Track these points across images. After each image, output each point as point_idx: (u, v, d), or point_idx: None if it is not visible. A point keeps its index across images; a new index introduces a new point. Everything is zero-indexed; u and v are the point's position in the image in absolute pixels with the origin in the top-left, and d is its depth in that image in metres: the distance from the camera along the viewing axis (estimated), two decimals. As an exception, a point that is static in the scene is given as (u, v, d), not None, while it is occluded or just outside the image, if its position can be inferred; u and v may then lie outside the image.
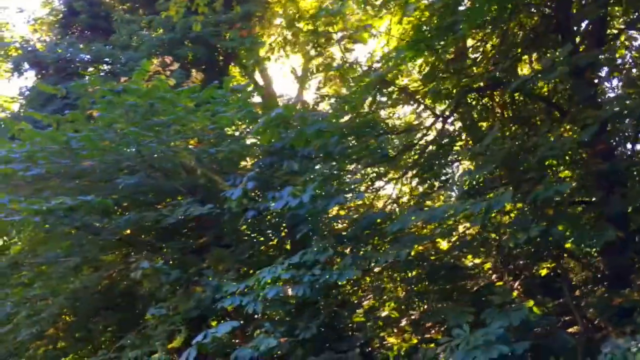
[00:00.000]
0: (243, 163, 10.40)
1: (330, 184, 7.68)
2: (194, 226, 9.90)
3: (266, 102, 17.84)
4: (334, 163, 8.18)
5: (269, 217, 9.45)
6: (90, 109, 9.85)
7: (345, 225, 9.45)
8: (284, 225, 9.84)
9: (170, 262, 8.70)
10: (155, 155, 9.23)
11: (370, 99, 8.33)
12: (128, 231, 9.52)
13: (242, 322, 7.94)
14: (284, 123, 8.20)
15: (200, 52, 17.22)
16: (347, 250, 8.31)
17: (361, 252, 7.99)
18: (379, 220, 8.05)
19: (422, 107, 8.96)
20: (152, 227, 9.51)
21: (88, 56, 18.22)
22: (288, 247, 10.01)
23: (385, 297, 8.80)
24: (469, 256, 9.11)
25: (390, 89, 8.21)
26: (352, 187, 7.54)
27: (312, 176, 7.94)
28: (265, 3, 18.38)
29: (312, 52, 21.92)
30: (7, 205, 7.59)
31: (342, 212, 9.65)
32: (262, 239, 10.35)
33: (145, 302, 11.01)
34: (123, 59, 16.88)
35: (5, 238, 11.77)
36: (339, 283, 7.69)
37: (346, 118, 8.75)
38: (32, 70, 19.03)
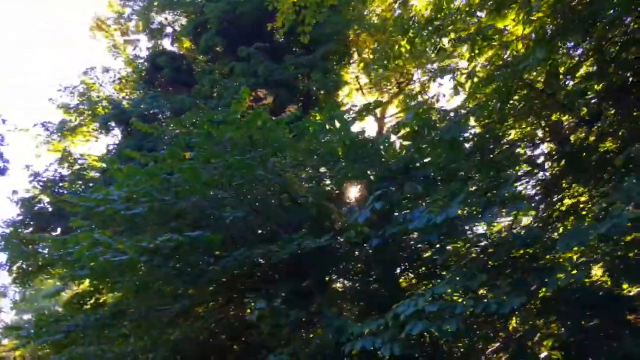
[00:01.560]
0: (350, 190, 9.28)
1: (480, 198, 6.42)
2: (306, 263, 8.82)
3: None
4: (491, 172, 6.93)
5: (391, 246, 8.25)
6: (187, 148, 9.18)
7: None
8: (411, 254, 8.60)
9: (284, 304, 7.60)
10: (260, 188, 8.35)
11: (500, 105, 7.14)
12: (233, 272, 8.52)
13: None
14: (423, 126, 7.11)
15: (282, 96, 16.61)
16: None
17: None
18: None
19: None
20: (259, 267, 8.51)
21: (171, 109, 17.93)
22: (414, 280, 8.76)
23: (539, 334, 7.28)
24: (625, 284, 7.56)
25: (525, 92, 7.01)
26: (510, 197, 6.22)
27: (442, 196, 6.78)
28: (346, 41, 17.75)
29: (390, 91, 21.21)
30: (111, 246, 6.78)
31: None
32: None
33: (253, 350, 9.97)
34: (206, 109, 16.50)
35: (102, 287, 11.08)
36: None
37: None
38: (118, 129, 19.03)
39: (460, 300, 5.95)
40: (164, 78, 19.01)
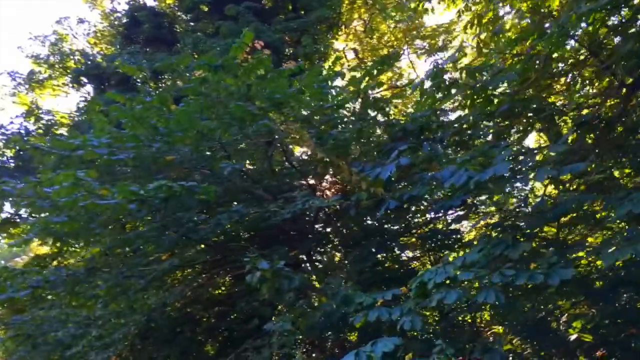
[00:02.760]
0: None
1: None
2: (302, 228, 8.01)
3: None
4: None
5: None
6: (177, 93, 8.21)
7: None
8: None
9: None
10: (261, 142, 7.47)
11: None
12: (225, 233, 7.63)
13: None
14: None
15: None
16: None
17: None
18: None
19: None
20: (253, 229, 7.64)
21: (150, 68, 16.73)
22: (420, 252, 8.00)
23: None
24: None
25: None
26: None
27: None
28: (337, 10, 16.81)
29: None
30: (95, 191, 5.80)
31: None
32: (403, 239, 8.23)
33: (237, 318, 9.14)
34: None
35: (67, 248, 10.03)
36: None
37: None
38: (91, 85, 17.75)
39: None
40: (143, 35, 17.71)
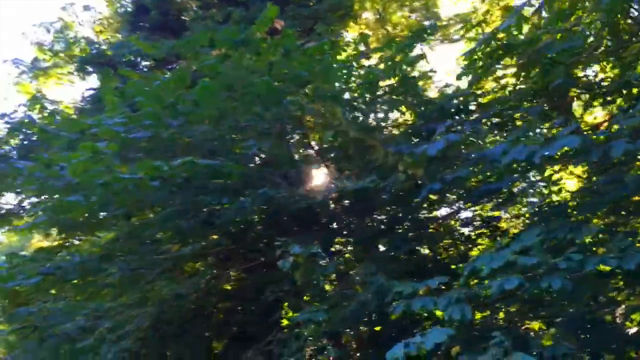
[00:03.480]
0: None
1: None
2: (337, 212, 7.48)
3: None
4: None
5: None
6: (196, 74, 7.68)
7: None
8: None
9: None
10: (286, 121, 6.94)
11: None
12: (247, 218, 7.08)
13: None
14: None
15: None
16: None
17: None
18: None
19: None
20: (278, 213, 7.11)
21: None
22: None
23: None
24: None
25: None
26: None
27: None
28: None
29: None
30: (115, 166, 5.28)
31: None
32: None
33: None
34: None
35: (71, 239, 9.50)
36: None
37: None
38: (96, 74, 17.19)
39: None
40: (150, 22, 17.15)
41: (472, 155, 5.66)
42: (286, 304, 7.38)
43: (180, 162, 5.13)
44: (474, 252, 7.50)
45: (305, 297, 8.25)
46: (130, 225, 6.63)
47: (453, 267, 6.83)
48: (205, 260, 9.06)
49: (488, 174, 6.10)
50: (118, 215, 6.20)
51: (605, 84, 5.96)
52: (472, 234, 7.55)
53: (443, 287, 5.69)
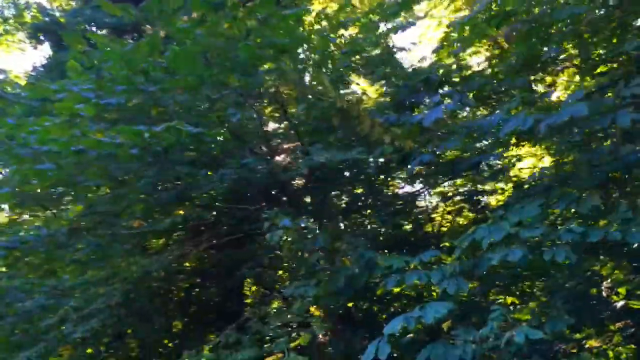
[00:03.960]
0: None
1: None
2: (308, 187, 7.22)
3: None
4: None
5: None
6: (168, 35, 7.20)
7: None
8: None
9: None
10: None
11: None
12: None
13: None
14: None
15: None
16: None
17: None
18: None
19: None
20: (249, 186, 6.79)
21: (115, 25, 15.35)
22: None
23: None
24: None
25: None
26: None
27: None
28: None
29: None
30: (89, 133, 4.84)
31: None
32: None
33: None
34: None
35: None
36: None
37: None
38: (49, 42, 16.25)
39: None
40: (108, -10, 16.29)
41: (465, 126, 5.47)
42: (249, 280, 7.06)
43: (164, 126, 4.74)
44: (452, 227, 7.42)
45: (280, 272, 8.01)
46: (100, 198, 6.17)
47: (442, 242, 6.69)
48: (170, 237, 8.69)
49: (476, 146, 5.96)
50: (88, 187, 5.74)
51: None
52: (452, 208, 7.42)
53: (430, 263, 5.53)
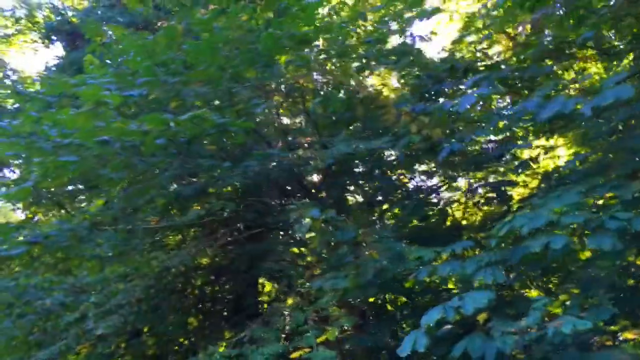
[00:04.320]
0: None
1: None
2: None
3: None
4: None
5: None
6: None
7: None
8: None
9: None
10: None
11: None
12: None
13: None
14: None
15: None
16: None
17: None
18: None
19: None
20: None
21: (128, 24, 15.22)
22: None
23: None
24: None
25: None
26: None
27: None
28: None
29: None
30: (110, 125, 4.68)
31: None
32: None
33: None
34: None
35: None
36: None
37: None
38: (61, 43, 16.17)
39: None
40: (120, -10, 16.19)
41: (498, 113, 5.28)
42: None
43: (190, 114, 4.58)
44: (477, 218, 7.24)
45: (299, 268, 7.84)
46: (124, 192, 6.02)
47: (465, 234, 6.50)
48: (188, 233, 8.55)
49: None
50: (111, 180, 5.59)
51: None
52: (477, 200, 7.22)
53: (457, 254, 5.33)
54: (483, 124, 5.46)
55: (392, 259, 5.37)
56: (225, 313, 10.00)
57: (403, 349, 4.14)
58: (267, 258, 6.86)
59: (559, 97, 4.34)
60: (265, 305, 9.98)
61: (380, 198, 7.74)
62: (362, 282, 5.30)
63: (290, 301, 7.53)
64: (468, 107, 4.70)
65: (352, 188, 7.88)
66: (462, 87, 6.21)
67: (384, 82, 6.97)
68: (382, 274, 5.38)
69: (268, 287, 10.85)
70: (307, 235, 5.10)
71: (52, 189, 7.60)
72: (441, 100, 6.46)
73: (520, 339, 4.19)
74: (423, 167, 7.51)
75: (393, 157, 6.69)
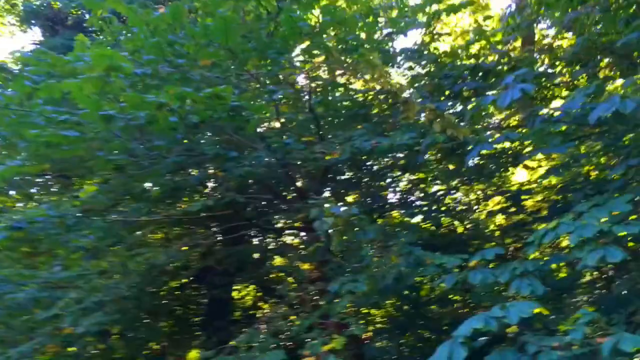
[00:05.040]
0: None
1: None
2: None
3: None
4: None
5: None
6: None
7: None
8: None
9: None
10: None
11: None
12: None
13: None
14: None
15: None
16: None
17: None
18: None
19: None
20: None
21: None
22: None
23: None
24: None
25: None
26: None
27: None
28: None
29: None
30: (124, 95, 4.15)
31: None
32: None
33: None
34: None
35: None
36: None
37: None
38: (40, 28, 15.41)
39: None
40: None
41: (535, 114, 4.92)
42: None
43: (209, 91, 4.09)
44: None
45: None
46: (119, 176, 5.44)
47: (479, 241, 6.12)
48: (171, 231, 7.98)
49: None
50: (110, 161, 5.01)
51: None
52: (496, 207, 6.85)
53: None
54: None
55: (410, 264, 4.96)
56: (196, 319, 9.52)
57: (435, 360, 3.71)
58: (254, 263, 6.36)
59: (614, 96, 3.99)
60: (239, 313, 9.54)
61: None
62: (381, 286, 4.86)
63: (272, 308, 7.10)
64: (509, 102, 4.32)
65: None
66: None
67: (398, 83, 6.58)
68: (402, 280, 4.96)
69: (244, 292, 10.37)
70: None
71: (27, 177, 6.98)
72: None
73: (565, 356, 3.80)
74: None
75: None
